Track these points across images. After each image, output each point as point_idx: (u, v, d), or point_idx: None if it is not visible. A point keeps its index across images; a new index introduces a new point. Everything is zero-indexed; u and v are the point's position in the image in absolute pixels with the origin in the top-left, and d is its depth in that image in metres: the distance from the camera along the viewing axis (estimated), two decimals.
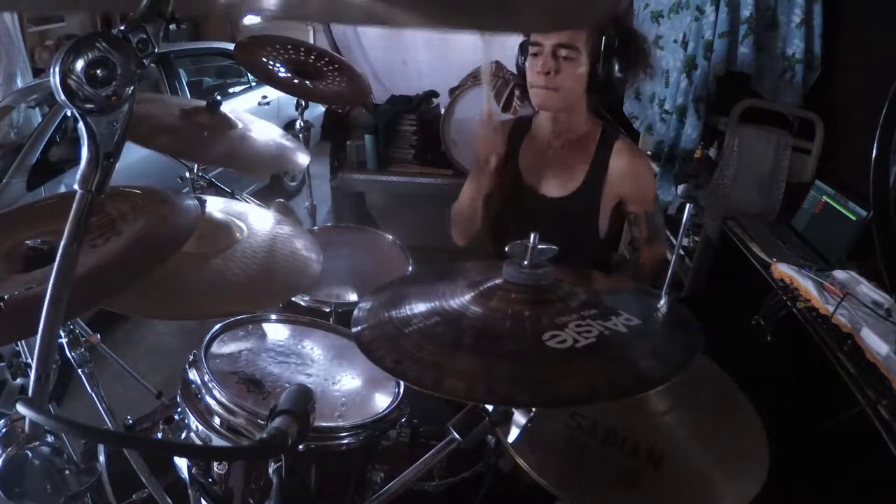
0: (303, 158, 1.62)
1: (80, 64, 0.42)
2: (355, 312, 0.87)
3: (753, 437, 0.98)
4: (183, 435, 1.01)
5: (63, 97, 0.43)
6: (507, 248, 0.87)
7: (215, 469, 0.97)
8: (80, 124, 0.44)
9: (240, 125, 1.58)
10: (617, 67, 1.43)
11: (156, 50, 0.45)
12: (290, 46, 2.03)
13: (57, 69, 0.42)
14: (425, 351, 0.74)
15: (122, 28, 0.44)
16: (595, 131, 1.55)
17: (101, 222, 0.91)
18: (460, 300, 0.83)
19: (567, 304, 0.81)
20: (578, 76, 1.43)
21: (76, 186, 0.47)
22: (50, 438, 0.60)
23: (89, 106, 0.44)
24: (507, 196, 1.66)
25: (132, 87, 0.45)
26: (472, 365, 0.70)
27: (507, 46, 2.12)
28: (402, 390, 1.07)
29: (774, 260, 1.75)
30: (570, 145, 1.56)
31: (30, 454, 0.58)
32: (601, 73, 1.43)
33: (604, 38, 1.40)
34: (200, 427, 0.96)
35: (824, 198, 1.97)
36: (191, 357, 1.03)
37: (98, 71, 0.43)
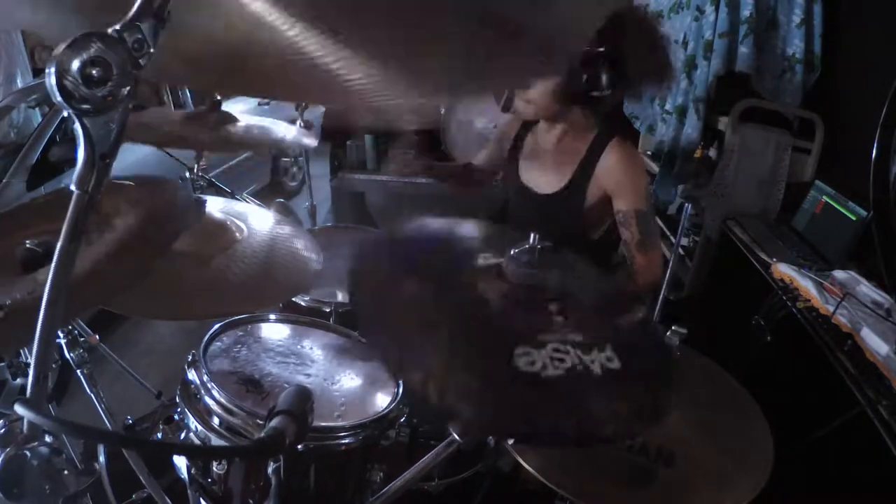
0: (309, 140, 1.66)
1: (75, 64, 0.42)
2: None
3: (755, 425, 0.99)
4: (182, 435, 1.01)
5: (59, 98, 0.43)
6: (512, 252, 0.87)
7: (214, 469, 0.96)
8: (76, 125, 0.44)
9: (241, 120, 1.60)
10: (605, 80, 1.40)
11: (152, 50, 0.45)
12: None
13: (53, 69, 0.42)
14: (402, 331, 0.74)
15: (118, 28, 0.44)
16: (591, 134, 1.55)
17: (93, 216, 0.91)
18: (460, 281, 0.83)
19: (557, 317, 0.79)
20: (547, 90, 1.45)
21: (72, 187, 0.47)
22: (49, 439, 0.60)
23: (85, 106, 0.43)
24: (508, 190, 1.73)
25: (128, 88, 0.45)
26: (436, 364, 0.71)
27: None
28: (401, 390, 1.07)
29: (774, 260, 1.75)
30: (566, 146, 1.58)
31: (28, 454, 0.58)
32: (579, 86, 1.41)
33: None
34: (199, 427, 0.95)
35: (824, 198, 1.97)
36: (190, 357, 1.03)
37: (94, 71, 0.43)
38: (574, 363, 0.72)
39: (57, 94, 0.42)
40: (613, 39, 1.37)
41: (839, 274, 1.57)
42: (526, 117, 1.59)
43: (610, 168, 1.50)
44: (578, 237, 1.58)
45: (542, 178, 1.61)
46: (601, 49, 1.38)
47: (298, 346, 1.18)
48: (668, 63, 1.47)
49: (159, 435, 1.11)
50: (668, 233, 2.70)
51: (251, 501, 0.96)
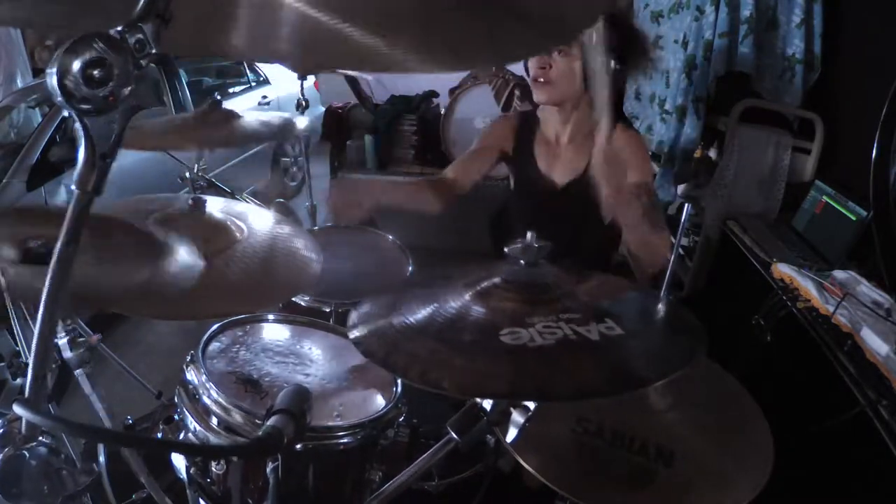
0: (301, 122, 1.66)
1: (77, 64, 0.42)
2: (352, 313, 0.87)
3: (755, 425, 0.99)
4: (181, 435, 1.01)
5: (60, 97, 0.43)
6: (506, 249, 0.86)
7: (213, 469, 0.96)
8: (77, 125, 0.44)
9: (242, 116, 1.61)
10: (613, 62, 1.44)
11: (153, 50, 0.45)
12: None
13: (54, 69, 0.42)
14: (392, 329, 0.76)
15: (120, 28, 0.44)
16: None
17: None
18: (453, 292, 0.83)
19: (552, 305, 0.78)
20: (572, 70, 1.49)
21: (73, 187, 0.47)
22: (47, 439, 0.60)
23: (86, 106, 0.44)
24: (520, 186, 1.75)
25: (129, 88, 0.45)
26: (421, 348, 0.72)
27: None
28: (400, 390, 1.07)
29: (774, 260, 1.75)
30: (579, 137, 1.61)
31: (27, 454, 0.58)
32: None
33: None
34: (198, 427, 0.96)
35: (824, 198, 1.96)
36: (188, 357, 1.03)
37: (95, 71, 0.43)
38: (566, 334, 0.71)
39: (58, 93, 0.42)
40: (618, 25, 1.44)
41: (839, 274, 1.57)
42: (546, 101, 1.60)
43: (619, 145, 1.54)
44: (597, 220, 1.60)
45: (562, 169, 1.65)
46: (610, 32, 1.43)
47: (297, 346, 1.18)
48: (648, 46, 1.56)
49: (159, 435, 1.11)
50: (668, 233, 2.70)
51: (250, 501, 0.96)
